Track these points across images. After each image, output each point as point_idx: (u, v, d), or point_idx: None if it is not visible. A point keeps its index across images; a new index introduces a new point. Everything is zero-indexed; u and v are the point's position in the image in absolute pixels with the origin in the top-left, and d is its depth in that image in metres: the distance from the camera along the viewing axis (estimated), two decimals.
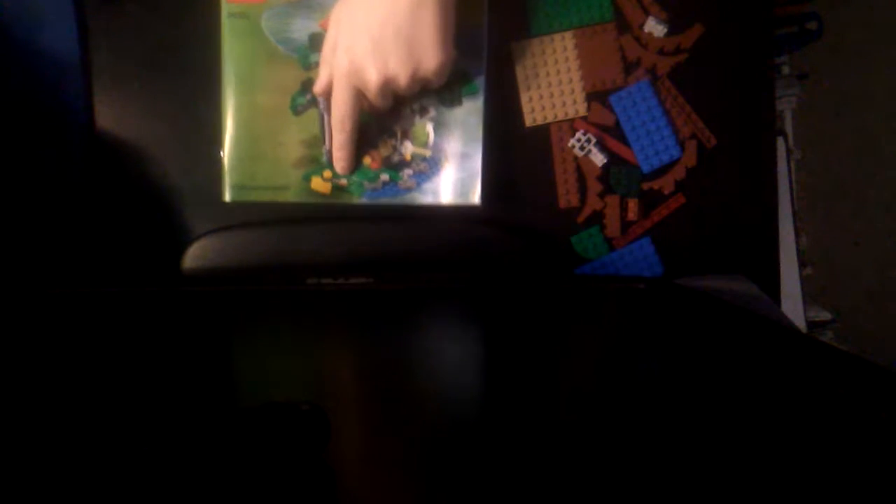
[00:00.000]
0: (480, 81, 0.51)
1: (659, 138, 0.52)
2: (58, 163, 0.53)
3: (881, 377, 0.29)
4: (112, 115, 0.54)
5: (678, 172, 0.53)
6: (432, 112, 0.51)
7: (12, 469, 0.23)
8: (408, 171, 0.52)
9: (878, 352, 1.22)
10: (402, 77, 0.44)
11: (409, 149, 0.52)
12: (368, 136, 0.52)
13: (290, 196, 0.52)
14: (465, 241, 0.53)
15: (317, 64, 0.50)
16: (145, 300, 0.49)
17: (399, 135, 0.52)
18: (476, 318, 0.45)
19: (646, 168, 0.53)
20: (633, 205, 0.53)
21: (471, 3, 0.50)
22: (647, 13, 0.52)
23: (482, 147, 0.51)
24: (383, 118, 0.51)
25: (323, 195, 0.52)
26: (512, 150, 0.53)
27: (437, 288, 0.51)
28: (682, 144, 0.53)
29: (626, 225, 0.53)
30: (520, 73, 0.53)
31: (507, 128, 0.53)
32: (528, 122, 0.53)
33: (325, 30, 0.48)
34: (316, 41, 0.50)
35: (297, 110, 0.51)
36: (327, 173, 0.52)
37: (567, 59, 0.52)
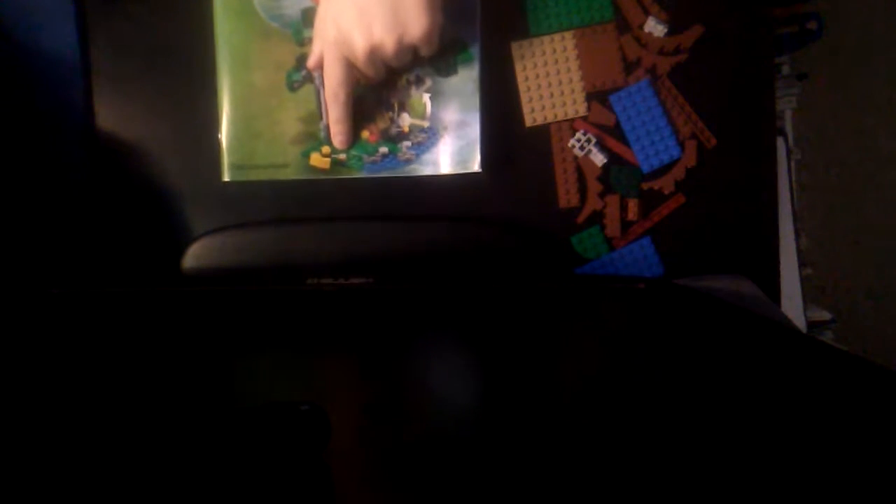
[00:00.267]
0: (475, 49, 0.51)
1: (659, 138, 0.52)
2: (58, 163, 0.53)
3: (881, 377, 0.29)
4: (112, 115, 0.54)
5: (678, 172, 0.53)
6: (428, 82, 0.51)
7: (13, 469, 0.23)
8: (406, 143, 0.52)
9: (878, 352, 1.22)
10: (388, 43, 0.44)
11: (406, 120, 0.51)
12: (365, 110, 0.51)
13: (290, 174, 0.52)
14: (464, 241, 0.53)
15: (310, 39, 0.49)
16: (145, 300, 0.49)
17: (396, 107, 0.51)
18: (476, 318, 0.45)
19: (646, 168, 0.53)
20: (633, 205, 0.53)
21: None
22: (647, 13, 0.52)
23: (480, 114, 0.51)
24: (379, 91, 0.51)
25: (322, 171, 0.52)
26: (512, 150, 0.53)
27: (436, 288, 0.51)
28: (682, 144, 0.53)
29: (626, 225, 0.53)
30: (520, 73, 0.53)
31: (507, 128, 0.53)
32: (528, 122, 0.53)
33: (316, 4, 0.48)
34: (309, 16, 0.50)
35: (292, 87, 0.51)
36: (326, 149, 0.52)
37: (567, 59, 0.52)
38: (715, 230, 0.53)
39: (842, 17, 1.22)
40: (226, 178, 0.52)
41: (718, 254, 0.53)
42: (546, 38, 0.52)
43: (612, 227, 0.53)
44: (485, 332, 0.41)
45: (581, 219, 0.53)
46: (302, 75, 0.51)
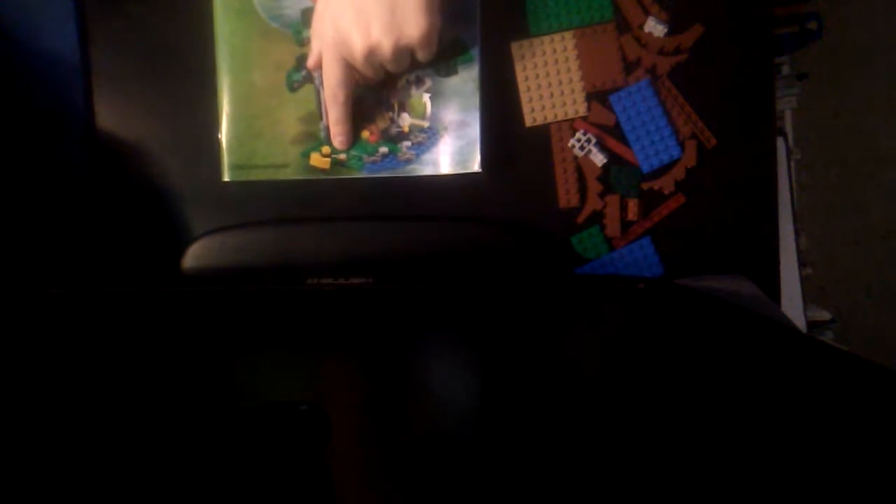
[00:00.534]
0: (475, 49, 0.51)
1: (659, 138, 0.52)
2: (58, 162, 0.53)
3: (881, 377, 0.29)
4: (112, 115, 0.54)
5: (678, 172, 0.53)
6: (428, 82, 0.51)
7: (13, 468, 0.23)
8: (406, 143, 0.52)
9: (878, 352, 1.22)
10: (385, 44, 0.44)
11: (406, 121, 0.51)
12: (365, 110, 0.51)
13: (290, 174, 0.52)
14: (464, 241, 0.53)
15: (310, 39, 0.49)
16: (145, 300, 0.49)
17: (396, 107, 0.52)
18: (476, 318, 0.45)
19: (646, 168, 0.53)
20: (633, 205, 0.53)
21: None
22: (647, 13, 0.52)
23: (480, 114, 0.51)
24: (379, 91, 0.51)
25: (322, 171, 0.52)
26: (512, 150, 0.53)
27: (436, 288, 0.51)
28: (682, 144, 0.53)
29: (626, 225, 0.53)
30: (520, 73, 0.53)
31: (507, 128, 0.53)
32: (528, 122, 0.53)
33: (315, 4, 0.48)
34: (308, 16, 0.50)
35: (292, 87, 0.51)
36: (326, 149, 0.52)
37: (567, 59, 0.52)
38: (715, 230, 0.53)
39: (842, 17, 1.22)
40: (226, 178, 0.52)
41: (718, 254, 0.53)
42: (546, 38, 0.52)
43: (612, 227, 0.53)
44: (485, 333, 0.41)
45: (581, 219, 0.53)
46: (302, 75, 0.51)
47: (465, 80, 0.51)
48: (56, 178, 0.53)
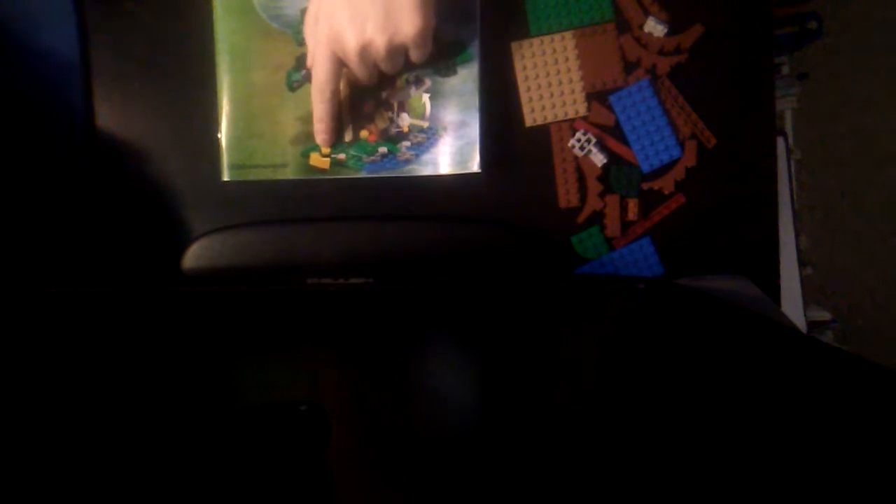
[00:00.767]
0: (475, 48, 0.51)
1: (659, 138, 0.52)
2: (58, 162, 0.53)
3: (881, 377, 0.29)
4: (112, 114, 0.54)
5: (678, 172, 0.53)
6: (428, 82, 0.51)
7: (12, 469, 0.23)
8: (406, 143, 0.52)
9: (878, 352, 1.22)
10: (379, 42, 0.44)
11: (406, 121, 0.51)
12: (365, 110, 0.51)
13: (289, 173, 0.52)
14: (464, 241, 0.53)
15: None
16: (145, 300, 0.49)
17: (395, 107, 0.52)
18: (476, 319, 0.45)
19: (646, 168, 0.53)
20: (633, 205, 0.53)
21: None
22: (647, 13, 0.52)
23: (479, 114, 0.51)
24: (379, 91, 0.51)
25: (322, 171, 0.52)
26: (512, 150, 0.53)
27: (436, 288, 0.51)
28: (682, 144, 0.53)
29: (626, 225, 0.53)
30: (520, 73, 0.53)
31: (507, 128, 0.53)
32: (528, 122, 0.53)
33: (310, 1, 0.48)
34: None
35: (292, 86, 0.51)
36: (325, 149, 0.52)
37: (567, 59, 0.52)
38: (715, 230, 0.53)
39: (842, 17, 1.22)
40: (225, 178, 0.52)
41: (718, 254, 0.53)
42: (546, 38, 0.52)
43: (612, 227, 0.53)
44: (485, 333, 0.41)
45: (581, 219, 0.53)
46: (302, 75, 0.51)
47: (465, 80, 0.51)
48: (56, 178, 0.53)
